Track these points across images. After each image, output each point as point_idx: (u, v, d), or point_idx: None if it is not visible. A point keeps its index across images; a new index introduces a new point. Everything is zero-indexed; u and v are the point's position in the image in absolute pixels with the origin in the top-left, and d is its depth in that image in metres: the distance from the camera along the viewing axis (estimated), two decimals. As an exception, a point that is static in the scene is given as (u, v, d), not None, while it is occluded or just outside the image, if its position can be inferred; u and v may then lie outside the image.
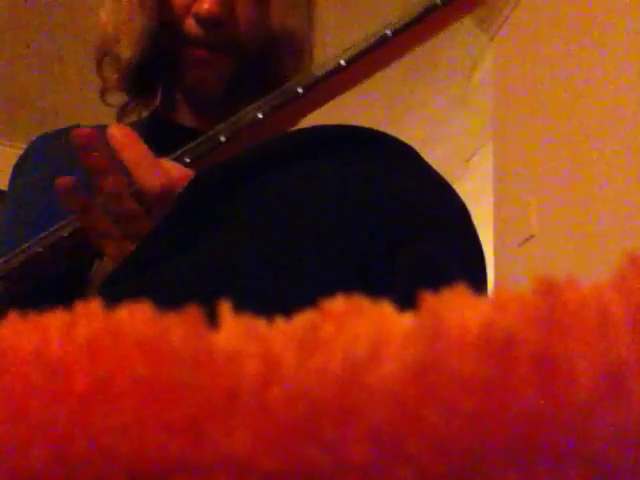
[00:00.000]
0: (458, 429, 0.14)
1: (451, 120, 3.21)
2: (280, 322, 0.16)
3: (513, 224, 2.02)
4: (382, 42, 0.51)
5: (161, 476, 0.15)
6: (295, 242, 0.36)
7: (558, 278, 0.16)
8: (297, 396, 0.15)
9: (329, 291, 0.18)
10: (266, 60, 0.71)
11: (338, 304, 0.16)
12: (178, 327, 0.16)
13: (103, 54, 0.71)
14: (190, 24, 0.66)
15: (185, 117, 0.74)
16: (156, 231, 0.42)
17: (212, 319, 0.16)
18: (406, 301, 0.17)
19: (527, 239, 1.87)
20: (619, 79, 1.54)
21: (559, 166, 1.77)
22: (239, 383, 0.15)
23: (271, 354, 0.15)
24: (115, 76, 0.71)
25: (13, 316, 0.17)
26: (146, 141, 0.72)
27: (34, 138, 0.78)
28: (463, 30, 2.35)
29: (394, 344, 0.15)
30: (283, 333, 0.16)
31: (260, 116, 0.52)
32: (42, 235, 0.54)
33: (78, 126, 0.78)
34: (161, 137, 0.72)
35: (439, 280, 0.20)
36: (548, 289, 0.15)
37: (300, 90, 0.52)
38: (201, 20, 0.65)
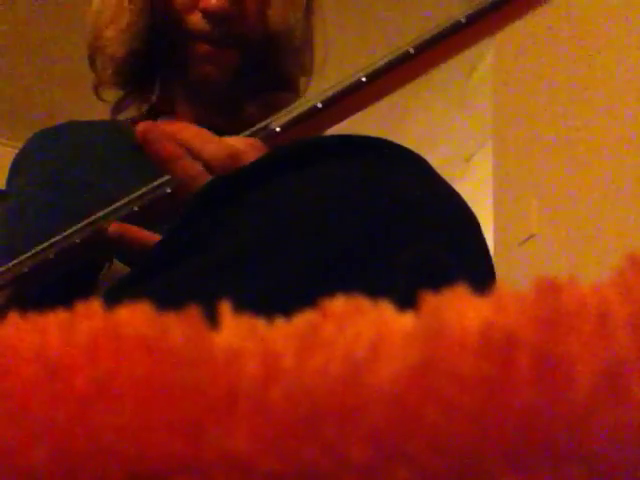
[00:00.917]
0: (458, 429, 0.14)
1: (451, 120, 3.21)
2: (280, 322, 0.16)
3: (513, 224, 2.02)
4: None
5: (161, 476, 0.15)
6: (295, 242, 0.36)
7: (558, 278, 0.16)
8: (297, 396, 0.15)
9: (329, 291, 0.18)
10: (266, 57, 0.71)
11: (338, 304, 0.16)
12: (178, 327, 0.16)
13: (95, 50, 0.71)
14: (195, 19, 0.65)
15: (184, 113, 0.73)
16: (165, 238, 0.43)
17: (212, 319, 0.16)
18: (406, 301, 0.17)
19: (527, 239, 1.87)
20: (619, 79, 1.54)
21: (559, 166, 1.77)
22: (239, 383, 0.15)
23: (271, 354, 0.15)
24: (108, 72, 0.70)
25: (13, 316, 0.17)
26: None
27: (32, 135, 0.78)
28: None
29: (394, 344, 0.15)
30: (283, 333, 0.16)
31: (319, 106, 0.50)
32: (53, 240, 0.54)
33: (75, 122, 0.78)
34: None
35: (439, 280, 0.20)
36: (548, 289, 0.15)
37: (363, 79, 0.50)
38: (209, 15, 0.64)
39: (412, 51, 0.49)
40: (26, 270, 0.53)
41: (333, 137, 0.43)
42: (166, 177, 0.49)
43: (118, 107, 0.75)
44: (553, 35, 1.90)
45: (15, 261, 0.55)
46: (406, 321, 0.16)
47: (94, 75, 0.72)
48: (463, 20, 0.48)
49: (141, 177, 0.53)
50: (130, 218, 0.50)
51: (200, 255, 0.38)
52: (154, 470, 0.15)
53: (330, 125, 0.51)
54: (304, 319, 0.16)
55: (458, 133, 3.29)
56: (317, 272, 0.35)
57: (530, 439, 0.14)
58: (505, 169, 2.16)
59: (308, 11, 0.75)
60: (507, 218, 2.09)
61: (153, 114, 0.74)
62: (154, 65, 0.71)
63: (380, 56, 0.50)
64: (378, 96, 0.51)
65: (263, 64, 0.70)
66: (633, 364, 0.14)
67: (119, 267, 0.53)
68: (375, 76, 0.50)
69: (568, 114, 1.76)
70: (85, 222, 0.53)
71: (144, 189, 0.51)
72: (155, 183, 0.50)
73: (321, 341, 0.15)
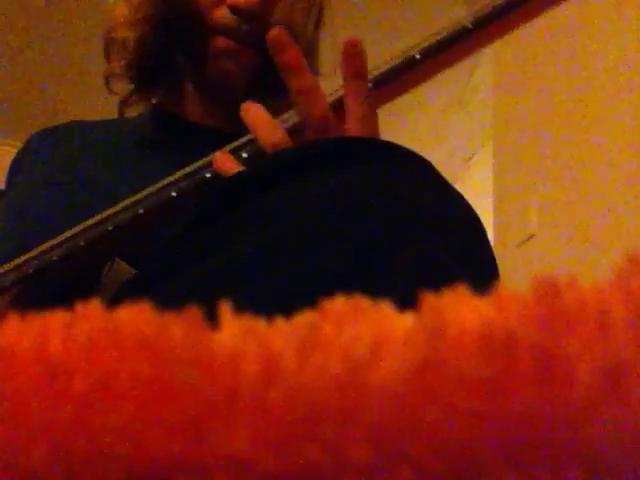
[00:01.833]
0: (458, 429, 0.14)
1: (451, 120, 3.21)
2: (280, 322, 0.16)
3: (513, 224, 2.02)
4: (410, 65, 0.49)
5: (161, 476, 0.15)
6: (295, 242, 0.36)
7: (558, 278, 0.16)
8: (297, 396, 0.15)
9: (329, 291, 0.18)
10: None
11: (338, 304, 0.16)
12: (178, 327, 0.16)
13: (112, 39, 0.70)
14: (221, 13, 0.65)
15: (192, 112, 0.72)
16: (168, 244, 0.43)
17: (212, 319, 0.16)
18: (406, 301, 0.17)
19: (527, 239, 1.87)
20: (619, 79, 1.54)
21: (559, 166, 1.77)
22: (239, 383, 0.15)
23: (271, 354, 0.15)
24: (122, 62, 0.70)
25: (13, 316, 0.17)
26: (150, 135, 0.72)
27: (32, 134, 0.77)
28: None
29: (394, 344, 0.15)
30: (283, 333, 0.16)
31: (418, 57, 0.50)
32: (57, 242, 0.54)
33: (77, 122, 0.78)
34: (166, 132, 0.72)
35: (439, 280, 0.20)
36: (548, 289, 0.15)
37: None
38: (238, 11, 0.64)
39: (418, 56, 0.49)
40: (30, 272, 0.53)
41: (334, 139, 0.44)
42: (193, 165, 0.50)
43: (125, 102, 0.75)
44: (553, 35, 1.90)
45: (18, 261, 0.55)
46: (406, 321, 0.16)
47: (107, 66, 0.72)
48: (470, 26, 0.48)
49: (145, 176, 0.53)
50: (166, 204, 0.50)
51: (203, 261, 0.38)
52: (154, 470, 0.15)
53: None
54: (304, 319, 0.16)
55: (458, 133, 3.29)
56: (317, 272, 0.35)
57: (530, 439, 0.14)
58: (505, 169, 2.16)
59: (317, 25, 0.75)
60: (507, 218, 2.09)
61: (157, 114, 0.74)
62: (166, 60, 0.70)
63: (385, 61, 0.50)
64: (382, 102, 0.51)
65: (277, 69, 0.71)
66: (633, 364, 0.14)
67: (122, 266, 0.53)
68: (382, 81, 0.50)
69: (568, 114, 1.76)
70: (89, 223, 0.53)
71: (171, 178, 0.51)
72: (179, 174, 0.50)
73: (321, 341, 0.15)
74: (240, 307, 0.17)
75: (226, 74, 0.66)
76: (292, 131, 0.50)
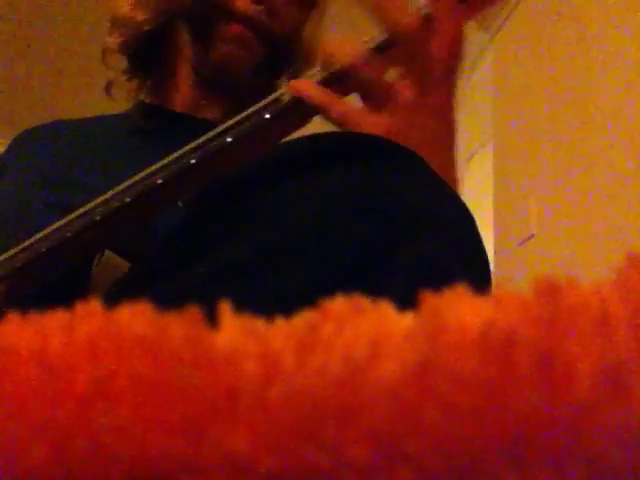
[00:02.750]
0: (458, 429, 0.14)
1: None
2: (280, 322, 0.16)
3: (513, 224, 2.02)
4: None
5: (161, 476, 0.15)
6: (295, 242, 0.36)
7: (558, 278, 0.16)
8: (297, 396, 0.15)
9: (329, 291, 0.18)
10: (279, 63, 0.72)
11: (338, 304, 0.16)
12: (178, 327, 0.16)
13: (115, 18, 0.71)
14: (245, 2, 0.66)
15: (183, 103, 0.72)
16: (165, 243, 0.43)
17: (212, 319, 0.16)
18: (406, 301, 0.17)
19: (527, 239, 1.87)
20: (619, 79, 1.54)
21: (559, 166, 1.77)
22: (239, 383, 0.15)
23: (271, 354, 0.15)
24: (121, 39, 0.70)
25: (13, 316, 0.17)
26: (142, 128, 0.72)
27: (18, 134, 0.77)
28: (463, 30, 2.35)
29: (394, 344, 0.15)
30: (283, 333, 0.16)
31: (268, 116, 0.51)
32: (44, 234, 0.53)
33: (63, 121, 0.78)
34: (157, 124, 0.72)
35: (439, 280, 0.20)
36: (548, 289, 0.15)
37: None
38: (263, 1, 0.66)
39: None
40: (18, 265, 0.53)
41: (333, 136, 0.43)
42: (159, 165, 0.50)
43: (114, 82, 0.75)
44: (553, 35, 1.90)
45: (4, 256, 0.54)
46: (406, 321, 0.16)
47: (106, 41, 0.72)
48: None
49: (137, 171, 0.53)
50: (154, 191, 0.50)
51: (200, 260, 0.38)
52: (154, 470, 0.15)
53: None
54: (304, 319, 0.16)
55: (458, 133, 3.28)
56: (317, 272, 0.35)
57: (530, 439, 0.14)
58: (505, 169, 2.16)
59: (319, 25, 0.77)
60: (507, 218, 2.09)
61: (146, 107, 0.74)
62: (166, 42, 0.71)
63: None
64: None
65: (275, 70, 0.72)
66: (633, 364, 0.14)
67: (112, 258, 0.53)
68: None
69: (568, 114, 1.76)
70: (75, 214, 0.53)
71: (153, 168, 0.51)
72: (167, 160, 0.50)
73: (321, 341, 0.15)
74: (240, 307, 0.17)
75: (231, 59, 0.67)
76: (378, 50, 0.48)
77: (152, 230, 0.53)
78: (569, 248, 1.68)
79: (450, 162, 0.50)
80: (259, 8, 0.66)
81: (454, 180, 0.48)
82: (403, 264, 0.35)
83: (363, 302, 0.16)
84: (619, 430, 0.14)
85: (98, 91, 0.75)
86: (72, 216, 0.53)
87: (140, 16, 0.69)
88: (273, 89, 0.53)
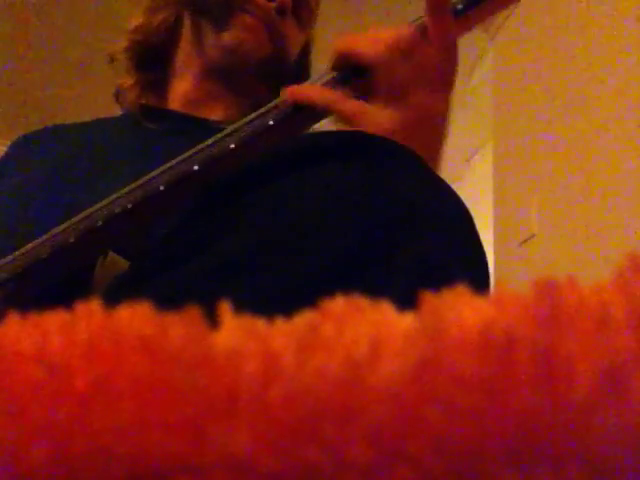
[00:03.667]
0: (458, 429, 0.14)
1: (451, 120, 3.21)
2: (280, 322, 0.16)
3: (513, 224, 2.02)
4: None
5: (161, 476, 0.15)
6: (295, 240, 0.36)
7: (558, 278, 0.16)
8: (297, 396, 0.15)
9: (328, 288, 0.18)
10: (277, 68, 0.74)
11: (338, 304, 0.16)
12: (178, 327, 0.16)
13: (137, 28, 0.75)
14: None
15: (188, 92, 0.74)
16: (165, 238, 0.43)
17: (212, 319, 0.16)
18: (406, 301, 0.17)
19: (527, 239, 1.87)
20: (619, 79, 1.54)
21: (559, 166, 1.77)
22: (239, 383, 0.15)
23: (271, 354, 0.15)
24: (129, 43, 0.74)
25: (13, 316, 0.17)
26: (139, 127, 0.73)
27: (15, 140, 0.78)
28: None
29: (394, 344, 0.15)
30: (283, 333, 0.16)
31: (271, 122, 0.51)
32: (46, 238, 0.53)
33: (56, 125, 0.78)
34: (157, 124, 0.73)
35: (439, 280, 0.20)
36: (548, 289, 0.15)
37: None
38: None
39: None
40: (20, 270, 0.53)
41: (333, 134, 0.43)
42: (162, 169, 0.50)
43: (121, 87, 0.77)
44: (553, 35, 1.90)
45: (5, 260, 0.54)
46: (406, 321, 0.16)
47: (114, 47, 0.76)
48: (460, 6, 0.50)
49: (138, 172, 0.53)
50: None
51: (199, 256, 0.38)
52: (154, 470, 0.15)
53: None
54: (304, 319, 0.16)
55: (458, 133, 3.28)
56: (317, 272, 0.35)
57: (530, 439, 0.14)
58: (505, 169, 2.16)
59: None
60: (507, 218, 2.09)
61: (146, 108, 0.74)
62: (172, 39, 0.75)
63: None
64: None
65: (274, 70, 0.74)
66: (633, 364, 0.14)
67: (116, 260, 0.53)
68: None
69: (568, 114, 1.76)
70: (77, 219, 0.53)
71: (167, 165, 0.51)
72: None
73: (321, 341, 0.15)
74: (238, 303, 0.17)
75: (243, 44, 0.71)
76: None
77: (157, 233, 0.54)
78: (569, 248, 1.68)
79: (437, 163, 0.51)
80: (272, 5, 0.71)
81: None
82: (402, 263, 0.35)
83: (363, 302, 0.16)
84: (619, 430, 0.14)
85: (98, 91, 0.75)
86: (74, 220, 0.53)
87: (155, 21, 0.74)
88: (274, 97, 0.53)
